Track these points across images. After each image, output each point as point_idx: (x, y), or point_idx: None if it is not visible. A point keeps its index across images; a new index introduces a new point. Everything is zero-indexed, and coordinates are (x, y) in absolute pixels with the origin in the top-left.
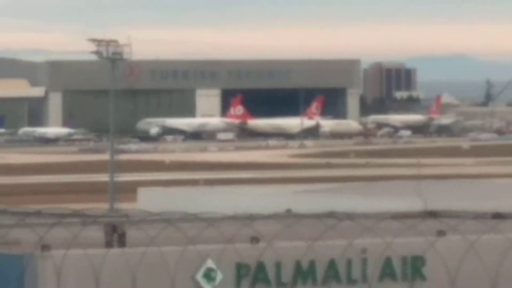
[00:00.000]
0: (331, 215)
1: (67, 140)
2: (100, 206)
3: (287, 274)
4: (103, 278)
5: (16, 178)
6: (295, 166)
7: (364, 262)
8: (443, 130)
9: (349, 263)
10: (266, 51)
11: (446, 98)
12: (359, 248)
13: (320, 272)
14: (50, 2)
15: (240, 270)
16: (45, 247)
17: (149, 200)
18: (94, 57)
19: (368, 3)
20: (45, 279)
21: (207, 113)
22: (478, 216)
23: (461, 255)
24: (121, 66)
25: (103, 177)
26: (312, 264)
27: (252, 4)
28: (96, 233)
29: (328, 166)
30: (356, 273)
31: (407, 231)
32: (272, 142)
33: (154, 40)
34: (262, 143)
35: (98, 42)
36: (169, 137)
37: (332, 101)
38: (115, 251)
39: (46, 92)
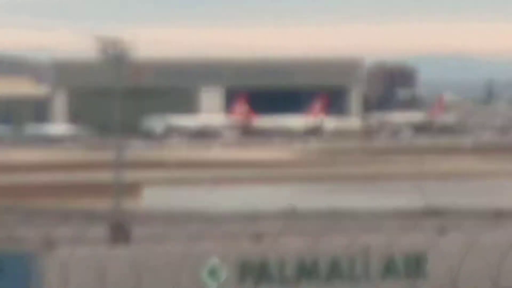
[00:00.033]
0: (334, 213)
1: (71, 138)
2: (105, 205)
3: (290, 272)
4: (108, 275)
5: (21, 176)
6: (298, 165)
7: (367, 259)
8: (445, 129)
9: (352, 260)
10: (269, 50)
11: (448, 97)
12: (362, 245)
13: (323, 269)
14: (55, 1)
15: (244, 267)
16: (51, 245)
17: (154, 198)
18: (99, 56)
19: (371, 3)
20: (51, 276)
21: (211, 111)
22: (480, 214)
23: (462, 252)
24: (126, 65)
25: (108, 176)
26: (315, 261)
27: (256, 3)
28: (101, 230)
29: (332, 164)
30: (359, 270)
31: (410, 229)
32: (275, 140)
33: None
34: (266, 141)
35: (103, 41)
36: (173, 135)
37: (335, 100)
38: (120, 248)
39: (52, 91)
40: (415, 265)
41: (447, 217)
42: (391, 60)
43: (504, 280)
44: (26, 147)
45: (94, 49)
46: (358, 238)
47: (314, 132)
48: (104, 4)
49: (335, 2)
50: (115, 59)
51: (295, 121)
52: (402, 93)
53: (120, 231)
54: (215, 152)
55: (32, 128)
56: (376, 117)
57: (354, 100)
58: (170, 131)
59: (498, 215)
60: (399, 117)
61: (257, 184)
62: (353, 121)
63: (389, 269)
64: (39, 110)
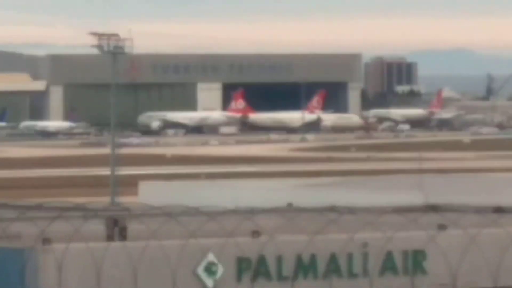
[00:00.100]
0: (332, 209)
1: (68, 134)
2: (101, 200)
3: (288, 268)
4: (104, 271)
5: (17, 171)
6: (296, 160)
7: (365, 256)
8: (444, 124)
9: (350, 257)
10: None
11: (447, 92)
12: (360, 242)
13: (321, 266)
14: None
15: (241, 264)
16: (46, 241)
17: (150, 193)
18: (95, 51)
19: None
20: (46, 272)
21: (208, 107)
22: (479, 210)
23: (462, 249)
24: (122, 60)
25: (105, 171)
26: (313, 258)
27: None
28: (97, 226)
29: (329, 160)
30: (357, 267)
31: (408, 225)
32: (273, 136)
33: (155, 34)
34: (263, 137)
35: (99, 36)
36: (170, 131)
37: (333, 95)
38: (116, 244)
39: (47, 86)
40: (414, 261)
41: (446, 213)
42: (390, 55)
43: (504, 277)
44: (21, 142)
45: (90, 44)
46: (356, 234)
47: (312, 127)
48: None
49: None
50: (112, 54)
51: (293, 116)
52: (401, 88)
53: (116, 227)
54: (212, 148)
55: (28, 123)
56: (375, 113)
57: (353, 95)
58: (167, 127)
59: (498, 211)
60: (397, 112)
61: (254, 180)
62: (351, 117)
63: (387, 265)
64: (35, 105)
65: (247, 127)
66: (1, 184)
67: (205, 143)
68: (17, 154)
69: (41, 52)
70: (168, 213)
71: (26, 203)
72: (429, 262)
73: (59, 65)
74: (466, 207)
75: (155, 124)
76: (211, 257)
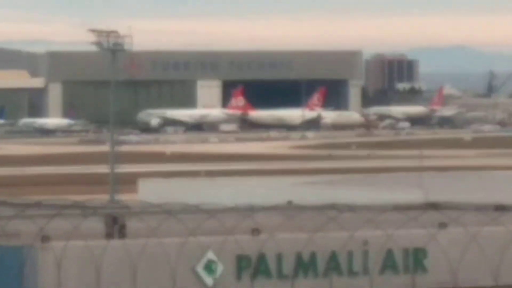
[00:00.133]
0: (332, 207)
1: (66, 131)
2: (100, 198)
3: (288, 266)
4: (103, 269)
5: (16, 169)
6: (296, 158)
7: (366, 254)
8: (445, 122)
9: (350, 255)
10: (267, 42)
11: (448, 90)
12: (360, 240)
13: (321, 264)
14: None
15: (241, 262)
16: (45, 238)
17: (150, 191)
18: (94, 48)
19: None
20: (45, 270)
21: (208, 104)
22: (480, 208)
23: (462, 247)
24: (122, 57)
25: (104, 168)
26: (313, 256)
27: None
28: (97, 224)
29: (330, 157)
30: (357, 265)
31: (409, 223)
32: (273, 133)
33: (155, 31)
34: (263, 134)
35: (98, 33)
36: (170, 129)
37: (333, 93)
38: (116, 242)
39: (46, 83)
40: (415, 259)
41: (447, 211)
42: (390, 53)
43: (504, 275)
44: (20, 139)
45: (90, 41)
46: (356, 232)
47: (312, 125)
48: None
49: None
50: (111, 51)
51: (293, 114)
52: (402, 85)
53: (115, 224)
54: (212, 145)
55: (26, 121)
56: (375, 110)
57: (353, 92)
58: (167, 124)
59: (499, 209)
60: (398, 110)
61: (254, 178)
62: (352, 114)
63: (388, 263)
64: (34, 102)
65: (247, 125)
66: (0, 182)
67: (204, 141)
68: (15, 152)
69: (40, 49)
70: (168, 211)
71: (25, 200)
72: (430, 260)
73: (58, 62)
74: (467, 205)
75: (154, 122)
76: (210, 255)
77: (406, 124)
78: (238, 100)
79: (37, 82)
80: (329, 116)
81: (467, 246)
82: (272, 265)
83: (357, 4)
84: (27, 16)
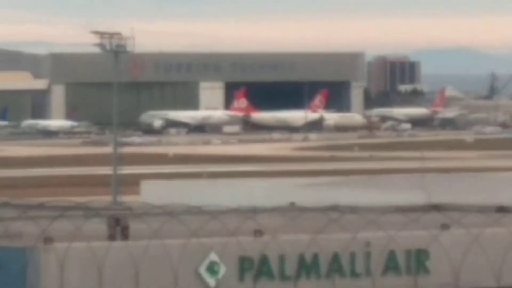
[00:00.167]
0: (334, 208)
1: (69, 132)
2: (103, 199)
3: (290, 268)
4: (106, 270)
5: (18, 170)
6: (298, 159)
7: (368, 255)
8: (447, 124)
9: (352, 256)
10: (269, 44)
11: (450, 91)
12: (362, 241)
13: (323, 265)
14: None
15: (244, 263)
16: (48, 240)
17: (152, 193)
18: (97, 50)
19: None
20: (48, 271)
21: (211, 106)
22: (482, 209)
23: (464, 248)
24: (124, 59)
25: (106, 170)
26: (315, 257)
27: None
28: (99, 225)
29: (332, 159)
30: (359, 266)
31: (411, 225)
32: (275, 135)
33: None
34: (266, 136)
35: (101, 34)
36: (172, 130)
37: (336, 94)
38: (118, 244)
39: (49, 85)
40: (417, 261)
41: (449, 213)
42: (393, 54)
43: (506, 276)
44: (23, 141)
45: (92, 43)
46: (359, 233)
47: (315, 126)
48: None
49: None
50: (114, 53)
51: (296, 115)
52: (404, 87)
53: (118, 226)
54: (214, 147)
55: (29, 122)
56: (378, 112)
57: (355, 94)
58: (169, 126)
59: (501, 211)
60: (400, 111)
61: (257, 179)
62: (354, 116)
63: (390, 265)
64: (36, 104)
65: (249, 126)
66: (2, 183)
67: (207, 142)
68: (18, 153)
69: (43, 51)
70: (170, 212)
71: (28, 202)
72: (432, 262)
73: (60, 64)
74: (469, 207)
75: (157, 123)
76: (213, 256)
77: (407, 126)
78: (241, 102)
79: (40, 84)
80: (332, 117)
81: (469, 248)
82: (274, 266)
83: (359, 6)
84: (29, 17)
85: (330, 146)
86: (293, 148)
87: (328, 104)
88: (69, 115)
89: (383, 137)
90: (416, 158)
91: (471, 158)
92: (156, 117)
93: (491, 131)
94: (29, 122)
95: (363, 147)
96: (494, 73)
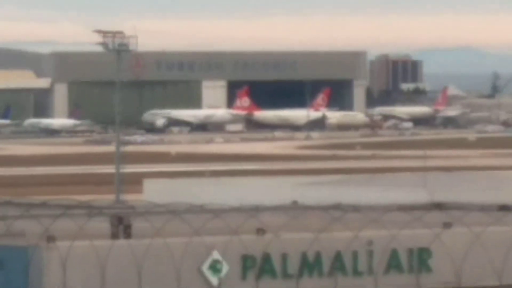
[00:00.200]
0: (337, 207)
1: (72, 131)
2: (106, 198)
3: (293, 266)
4: (108, 269)
5: (21, 169)
6: (301, 158)
7: (370, 254)
8: (449, 122)
9: (355, 255)
10: (272, 43)
11: (452, 90)
12: (365, 240)
13: (326, 264)
14: None
15: (246, 261)
16: (51, 239)
17: (155, 191)
18: (100, 49)
19: None
20: (51, 270)
21: (213, 104)
22: (484, 208)
23: (467, 247)
24: (127, 58)
25: (109, 169)
26: (318, 256)
27: None
28: (102, 224)
29: (334, 158)
30: (362, 265)
31: (413, 223)
32: (278, 133)
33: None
34: (268, 134)
35: (104, 33)
36: (175, 129)
37: (338, 93)
38: (121, 242)
39: (52, 83)
40: (419, 259)
41: (451, 211)
42: (395, 53)
43: (509, 275)
44: (25, 139)
45: (95, 42)
46: (361, 232)
47: (317, 125)
48: None
49: None
50: (116, 52)
51: (298, 114)
52: (406, 86)
53: (121, 225)
54: (217, 145)
55: (32, 121)
56: (380, 110)
57: (357, 93)
58: (172, 124)
59: (503, 209)
60: (403, 110)
61: (259, 178)
62: (356, 114)
63: (392, 263)
64: (39, 102)
65: (252, 125)
66: (5, 182)
67: (209, 141)
68: (21, 152)
69: (45, 50)
70: (173, 211)
71: (30, 200)
72: (434, 260)
73: (63, 63)
74: (471, 205)
75: (159, 122)
76: (215, 255)
77: (409, 124)
78: (243, 101)
79: (42, 83)
80: (334, 116)
81: (471, 246)
82: (277, 265)
83: (361, 5)
84: (32, 16)
85: (333, 145)
86: (295, 146)
87: (330, 102)
88: (71, 114)
89: (385, 135)
90: (418, 156)
91: (473, 157)
92: (158, 116)
93: (493, 130)
94: (31, 120)
95: (365, 145)
96: (496, 72)
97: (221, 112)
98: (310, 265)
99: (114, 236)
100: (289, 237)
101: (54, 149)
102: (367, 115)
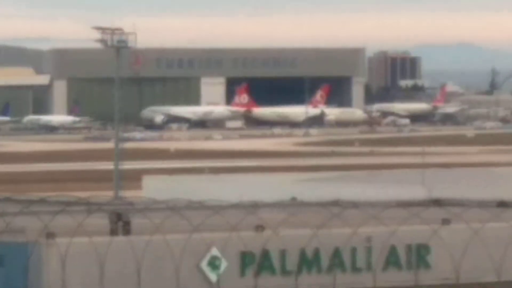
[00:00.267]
0: (335, 203)
1: (71, 128)
2: (105, 194)
3: (292, 262)
4: (107, 265)
5: (20, 166)
6: (300, 155)
7: (369, 250)
8: (447, 119)
9: (354, 251)
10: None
11: (450, 87)
12: (363, 236)
13: (324, 260)
14: None
15: (245, 258)
16: (50, 235)
17: (154, 188)
18: (99, 46)
19: None
20: (50, 266)
21: (212, 101)
22: (483, 204)
23: (465, 243)
24: (126, 54)
25: (108, 165)
26: (317, 252)
27: None
28: (101, 221)
29: (333, 154)
30: (361, 261)
31: (412, 220)
32: (277, 130)
33: (159, 28)
34: (267, 131)
35: (103, 30)
36: (174, 125)
37: (337, 90)
38: (120, 239)
39: (51, 80)
40: (418, 255)
41: (450, 208)
42: (393, 50)
43: (507, 271)
44: (25, 136)
45: (94, 39)
46: (360, 228)
47: (316, 121)
48: None
49: None
50: (115, 48)
51: (297, 111)
52: (405, 82)
53: (120, 221)
54: (215, 142)
55: (31, 118)
56: (378, 107)
57: (356, 90)
58: (171, 121)
59: (501, 205)
60: (401, 107)
61: (258, 174)
62: (355, 111)
63: (391, 259)
64: (38, 99)
65: (250, 122)
66: (4, 179)
67: (208, 138)
68: (20, 149)
69: (44, 46)
70: (172, 207)
71: (30, 197)
72: (433, 256)
73: (62, 59)
74: (470, 202)
75: (158, 119)
76: (214, 251)
77: (406, 121)
78: (242, 97)
79: (42, 79)
80: (333, 113)
81: (470, 242)
82: (275, 261)
83: (360, 1)
84: (32, 13)
85: (331, 141)
86: (294, 143)
87: (329, 99)
88: (71, 111)
89: (384, 132)
90: (417, 153)
91: (472, 153)
92: (157, 113)
93: (491, 126)
94: (31, 117)
95: (364, 142)
96: (494, 68)
97: (220, 109)
98: (309, 262)
99: (113, 232)
100: (288, 234)
101: (53, 146)
102: (365, 111)
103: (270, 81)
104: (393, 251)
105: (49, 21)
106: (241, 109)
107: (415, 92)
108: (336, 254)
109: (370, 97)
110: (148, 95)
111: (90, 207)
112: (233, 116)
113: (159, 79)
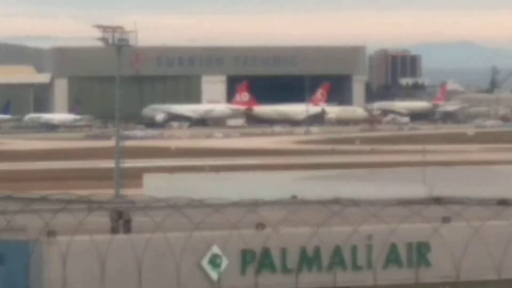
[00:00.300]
0: (336, 201)
1: (72, 126)
2: (106, 192)
3: (292, 260)
4: (108, 264)
5: (21, 164)
6: (300, 153)
7: (369, 248)
8: (448, 117)
9: (354, 249)
10: (271, 38)
11: (451, 85)
12: (364, 234)
13: (325, 258)
14: None
15: (246, 256)
16: (51, 233)
17: (155, 186)
18: (100, 44)
19: None
20: (51, 265)
21: (213, 99)
22: (483, 202)
23: (466, 241)
24: (127, 53)
25: (109, 163)
26: (317, 250)
27: None
28: (102, 219)
29: (334, 152)
30: (361, 259)
31: (412, 218)
32: (277, 128)
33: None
34: (268, 129)
35: (104, 28)
36: (174, 124)
37: (337, 88)
38: (121, 237)
39: (52, 79)
40: (418, 253)
41: (450, 206)
42: (394, 48)
43: (507, 269)
44: (26, 134)
45: (95, 37)
46: (360, 226)
47: (316, 120)
48: None
49: None
50: (116, 47)
51: (297, 109)
52: (405, 81)
53: (120, 219)
54: (216, 140)
55: (32, 116)
56: (379, 105)
57: (357, 88)
58: (171, 119)
59: (501, 203)
60: (402, 105)
61: (259, 172)
62: (355, 109)
63: (392, 257)
64: (39, 97)
65: (251, 120)
66: (5, 177)
67: (209, 136)
68: (21, 147)
69: (45, 45)
70: (173, 206)
71: (31, 195)
72: (433, 254)
73: (63, 58)
74: (470, 200)
75: (159, 117)
76: (215, 249)
77: (406, 119)
78: (243, 95)
79: (43, 78)
80: (333, 111)
81: (470, 240)
82: (276, 259)
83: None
84: (32, 11)
85: (332, 140)
86: (294, 141)
87: (329, 97)
88: (71, 109)
89: (384, 130)
90: (417, 151)
91: (472, 151)
92: (158, 111)
93: (492, 125)
94: (31, 115)
95: (364, 140)
96: (495, 66)
97: (221, 107)
98: (309, 260)
99: (114, 230)
100: (288, 232)
101: (54, 144)
102: (366, 110)
103: (271, 79)
104: (393, 249)
105: (50, 19)
106: (242, 107)
107: (415, 91)
108: (337, 252)
109: (371, 95)
110: (148, 94)
111: (91, 205)
112: (234, 114)
113: (159, 78)
